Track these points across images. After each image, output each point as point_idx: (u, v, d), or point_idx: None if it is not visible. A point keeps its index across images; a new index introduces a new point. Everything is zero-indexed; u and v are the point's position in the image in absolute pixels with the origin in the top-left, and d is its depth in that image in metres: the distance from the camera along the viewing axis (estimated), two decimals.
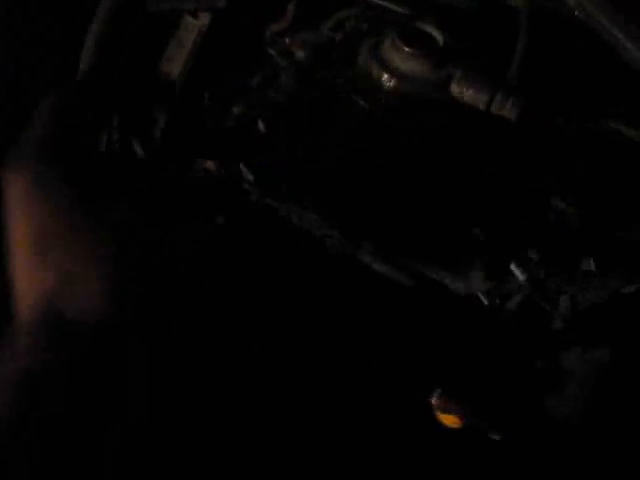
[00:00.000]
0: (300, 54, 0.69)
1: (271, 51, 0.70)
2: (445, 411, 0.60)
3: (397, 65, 0.61)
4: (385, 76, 0.61)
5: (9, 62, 0.79)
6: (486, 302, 0.66)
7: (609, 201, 0.65)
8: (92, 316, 0.48)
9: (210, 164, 0.64)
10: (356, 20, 0.69)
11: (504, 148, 0.64)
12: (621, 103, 0.66)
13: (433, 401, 0.60)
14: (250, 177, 0.65)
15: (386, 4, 0.69)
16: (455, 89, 0.60)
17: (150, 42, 0.72)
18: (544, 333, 0.67)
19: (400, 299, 0.70)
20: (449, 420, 0.60)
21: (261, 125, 0.65)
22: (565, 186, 0.64)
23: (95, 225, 0.51)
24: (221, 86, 0.69)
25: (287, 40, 0.71)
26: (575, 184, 0.64)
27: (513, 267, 0.63)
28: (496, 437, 0.60)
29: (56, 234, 0.51)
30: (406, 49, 0.61)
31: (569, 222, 0.64)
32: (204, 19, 0.72)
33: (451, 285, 0.66)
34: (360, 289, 0.71)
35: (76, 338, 0.48)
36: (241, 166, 0.65)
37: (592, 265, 0.63)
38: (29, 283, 0.50)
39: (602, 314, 0.65)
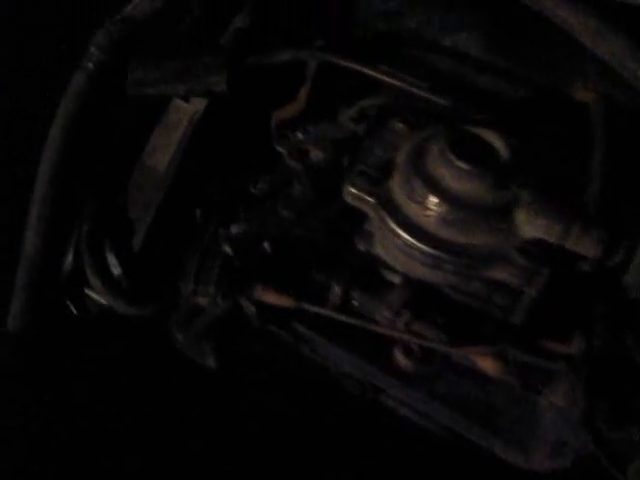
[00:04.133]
0: (316, 154, 0.55)
1: (279, 148, 0.56)
2: None
3: (448, 184, 0.47)
4: (432, 199, 0.47)
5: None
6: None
7: None
8: None
9: (202, 300, 0.50)
10: (386, 111, 0.55)
11: None
12: None
13: None
14: (252, 310, 0.51)
15: (423, 94, 0.54)
16: (521, 217, 0.46)
17: (132, 131, 0.58)
18: None
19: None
20: None
21: (267, 247, 0.51)
22: None
23: None
24: (217, 195, 0.55)
25: (299, 134, 0.56)
26: None
27: None
28: None
29: None
30: (461, 165, 0.46)
31: None
32: (198, 104, 0.59)
33: (502, 455, 0.52)
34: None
35: None
36: (242, 301, 0.50)
37: None
38: None
39: None
